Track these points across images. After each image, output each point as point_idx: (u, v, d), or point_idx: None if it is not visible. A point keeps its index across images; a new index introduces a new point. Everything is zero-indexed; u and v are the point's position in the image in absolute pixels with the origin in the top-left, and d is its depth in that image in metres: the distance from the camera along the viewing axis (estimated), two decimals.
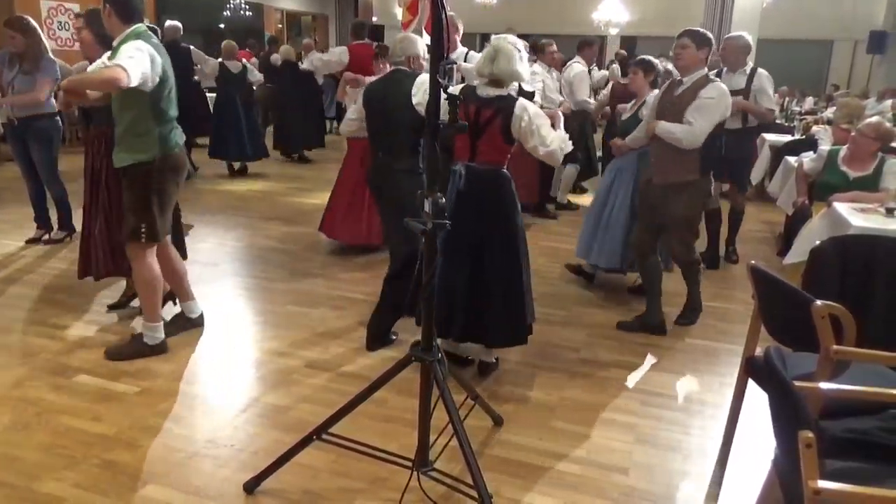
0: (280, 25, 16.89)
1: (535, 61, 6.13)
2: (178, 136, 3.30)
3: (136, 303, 3.92)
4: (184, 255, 3.89)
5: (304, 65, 8.41)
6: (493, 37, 3.15)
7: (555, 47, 6.61)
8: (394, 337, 3.65)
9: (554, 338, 3.80)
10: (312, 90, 9.77)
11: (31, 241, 5.21)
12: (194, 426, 2.81)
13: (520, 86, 3.12)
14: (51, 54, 4.94)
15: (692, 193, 3.73)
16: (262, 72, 9.13)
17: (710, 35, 3.75)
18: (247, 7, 15.33)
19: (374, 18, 19.09)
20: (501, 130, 2.98)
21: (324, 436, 2.36)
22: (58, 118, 5.14)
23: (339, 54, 6.54)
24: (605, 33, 16.54)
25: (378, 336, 3.59)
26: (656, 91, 4.18)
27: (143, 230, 3.22)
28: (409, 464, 2.28)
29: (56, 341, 3.55)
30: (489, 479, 2.30)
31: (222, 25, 14.46)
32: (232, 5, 14.93)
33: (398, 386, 2.64)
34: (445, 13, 1.96)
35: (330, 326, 3.86)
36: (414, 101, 3.22)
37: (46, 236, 5.28)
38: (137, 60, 2.90)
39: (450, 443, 2.33)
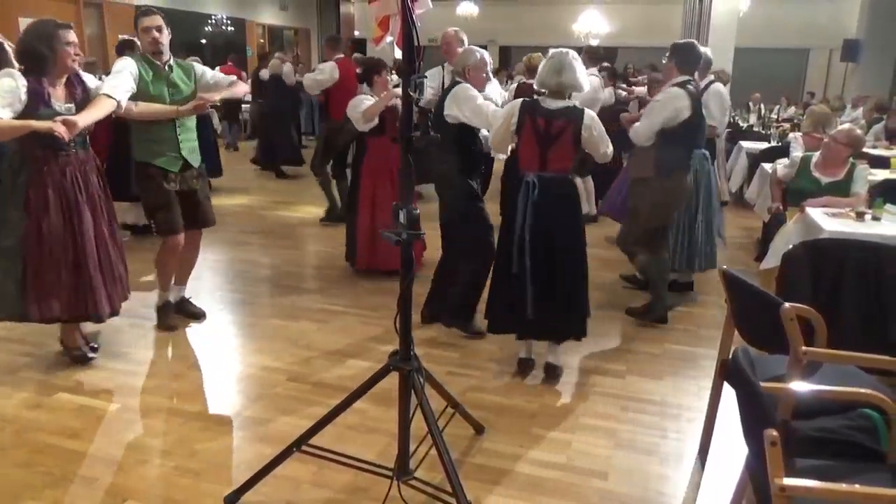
0: (262, 40, 16.90)
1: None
2: None
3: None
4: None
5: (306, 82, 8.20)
6: (551, 49, 3.20)
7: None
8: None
9: (533, 345, 3.82)
10: (295, 105, 9.71)
11: None
12: (174, 441, 2.80)
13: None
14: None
15: (648, 190, 3.99)
16: (252, 86, 9.12)
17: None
18: (228, 22, 15.33)
19: (356, 32, 19.20)
20: (573, 140, 3.13)
21: (304, 447, 2.38)
22: None
23: (329, 71, 6.29)
24: (585, 44, 16.71)
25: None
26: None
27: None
28: (390, 473, 2.29)
29: (35, 359, 3.52)
30: (470, 487, 2.32)
31: (204, 40, 14.44)
32: (214, 20, 14.91)
33: (378, 396, 2.65)
34: (416, 29, 1.99)
35: (311, 339, 3.87)
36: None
37: None
38: None
39: (430, 451, 2.34)
